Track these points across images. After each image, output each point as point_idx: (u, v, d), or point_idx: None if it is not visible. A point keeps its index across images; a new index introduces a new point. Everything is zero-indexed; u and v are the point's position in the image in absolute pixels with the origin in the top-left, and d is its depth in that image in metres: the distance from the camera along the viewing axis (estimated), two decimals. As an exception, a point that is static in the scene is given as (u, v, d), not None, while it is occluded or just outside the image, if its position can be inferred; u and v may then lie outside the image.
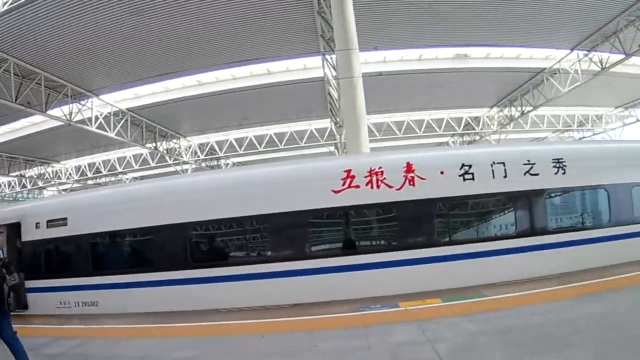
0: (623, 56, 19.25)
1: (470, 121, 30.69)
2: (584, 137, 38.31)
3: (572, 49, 20.56)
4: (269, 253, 8.40)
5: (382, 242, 8.60)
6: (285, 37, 16.69)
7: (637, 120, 34.49)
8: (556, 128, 32.80)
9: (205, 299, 7.88)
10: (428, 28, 17.30)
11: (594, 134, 38.18)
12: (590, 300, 6.33)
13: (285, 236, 8.16)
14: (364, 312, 6.68)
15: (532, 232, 8.26)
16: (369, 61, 19.20)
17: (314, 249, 8.29)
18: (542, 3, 15.92)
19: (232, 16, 14.66)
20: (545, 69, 22.84)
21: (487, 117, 30.60)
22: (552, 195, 8.74)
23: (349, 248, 8.13)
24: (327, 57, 17.22)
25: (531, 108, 26.27)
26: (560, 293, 6.71)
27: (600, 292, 6.69)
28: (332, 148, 27.24)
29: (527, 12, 16.38)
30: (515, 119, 28.32)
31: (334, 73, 17.56)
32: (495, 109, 29.76)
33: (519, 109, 27.26)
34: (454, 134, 31.90)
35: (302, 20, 15.63)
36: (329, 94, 20.90)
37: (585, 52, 20.69)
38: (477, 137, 32.38)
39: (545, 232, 8.30)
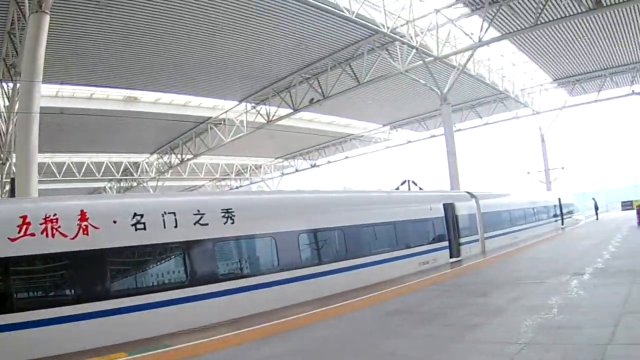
0: (291, 110, 22.28)
1: (130, 166, 31.38)
2: (240, 186, 44.69)
3: (240, 101, 23.20)
4: None
5: (58, 295, 7.70)
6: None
7: (297, 170, 41.32)
8: (214, 177, 36.56)
9: None
10: (101, 66, 17.56)
11: (252, 183, 43.74)
12: (274, 341, 6.81)
13: None
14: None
15: (203, 280, 8.45)
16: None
17: None
18: (212, 56, 17.78)
19: None
20: (211, 118, 25.26)
21: (147, 163, 31.58)
22: (222, 243, 9.10)
23: (22, 302, 7.22)
24: (4, 84, 15.52)
25: (192, 156, 28.38)
26: (237, 338, 7.00)
27: (281, 332, 7.21)
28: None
29: (197, 63, 18.17)
30: (174, 167, 30.02)
31: (7, 103, 15.89)
32: (155, 156, 30.96)
33: (179, 156, 29.01)
34: (111, 179, 32.11)
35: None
36: (-4, 126, 18.40)
37: (254, 105, 23.34)
38: (135, 184, 33.18)
39: (216, 279, 8.61)
